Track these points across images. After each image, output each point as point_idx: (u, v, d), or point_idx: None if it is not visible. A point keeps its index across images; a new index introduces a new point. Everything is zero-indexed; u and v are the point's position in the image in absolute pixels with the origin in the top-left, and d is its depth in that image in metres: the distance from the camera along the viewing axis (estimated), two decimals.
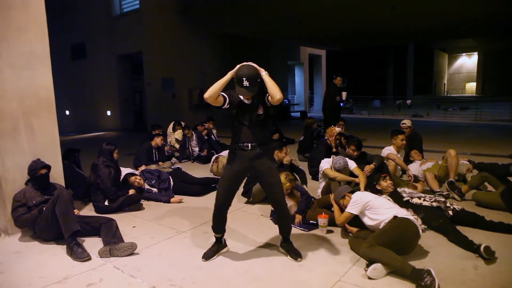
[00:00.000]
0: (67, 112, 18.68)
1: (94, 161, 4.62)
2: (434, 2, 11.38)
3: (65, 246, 3.37)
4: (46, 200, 3.65)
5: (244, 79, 2.78)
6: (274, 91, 2.79)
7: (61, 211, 3.37)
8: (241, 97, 2.98)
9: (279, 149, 4.78)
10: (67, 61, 17.59)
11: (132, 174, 5.09)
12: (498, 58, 38.85)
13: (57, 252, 3.43)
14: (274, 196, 3.10)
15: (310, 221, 3.91)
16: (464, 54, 46.30)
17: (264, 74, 2.85)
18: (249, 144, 2.96)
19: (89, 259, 3.23)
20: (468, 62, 47.15)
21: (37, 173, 3.77)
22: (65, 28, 16.98)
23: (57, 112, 4.33)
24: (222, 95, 2.90)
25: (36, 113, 4.08)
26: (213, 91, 2.80)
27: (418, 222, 3.45)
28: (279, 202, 3.09)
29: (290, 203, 4.01)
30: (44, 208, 3.53)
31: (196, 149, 7.95)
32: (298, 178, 4.86)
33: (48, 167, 3.87)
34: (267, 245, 3.47)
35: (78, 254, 3.23)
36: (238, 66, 2.89)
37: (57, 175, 4.25)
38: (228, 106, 2.97)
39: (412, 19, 14.07)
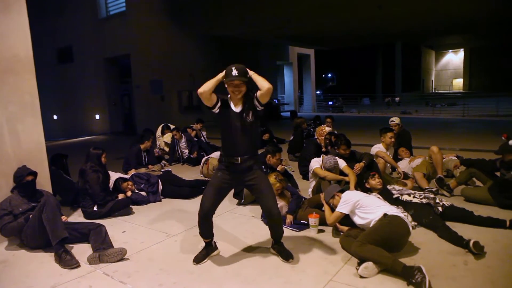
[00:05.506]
0: (55, 117, 18.44)
1: (82, 167, 4.55)
2: (419, 0, 11.50)
3: (53, 254, 3.31)
4: (32, 207, 3.58)
5: (233, 68, 2.84)
6: (262, 83, 2.84)
7: (48, 218, 3.31)
8: (231, 105, 2.97)
9: (271, 154, 4.76)
10: (53, 65, 17.38)
11: (124, 180, 5.04)
12: (484, 54, 39.42)
13: (45, 260, 3.36)
14: (266, 204, 3.06)
15: (301, 221, 3.91)
16: (450, 50, 46.83)
17: (252, 73, 2.91)
18: (239, 158, 2.95)
19: (78, 266, 3.18)
20: (454, 58, 47.71)
21: (23, 180, 3.71)
22: (51, 32, 16.77)
23: (45, 116, 4.26)
24: (216, 95, 2.92)
25: (20, 119, 4.02)
26: (208, 87, 2.84)
27: (408, 219, 3.47)
28: (271, 210, 3.04)
29: (280, 203, 4.00)
30: (31, 215, 3.47)
31: (186, 151, 7.91)
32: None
33: (34, 174, 3.80)
34: (258, 247, 3.45)
35: (67, 261, 3.17)
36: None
37: (44, 182, 4.18)
38: (218, 110, 2.96)
39: (399, 18, 14.21)
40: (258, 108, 2.96)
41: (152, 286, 2.83)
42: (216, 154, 6.56)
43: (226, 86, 2.92)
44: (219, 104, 2.95)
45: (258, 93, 2.88)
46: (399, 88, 34.05)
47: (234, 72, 2.82)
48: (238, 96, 2.94)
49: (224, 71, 2.89)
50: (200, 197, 3.15)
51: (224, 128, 3.02)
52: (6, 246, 3.71)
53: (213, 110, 2.97)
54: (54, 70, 17.33)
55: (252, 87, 2.94)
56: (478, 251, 3.00)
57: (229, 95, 2.99)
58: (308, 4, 12.03)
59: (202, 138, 8.91)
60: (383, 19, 14.11)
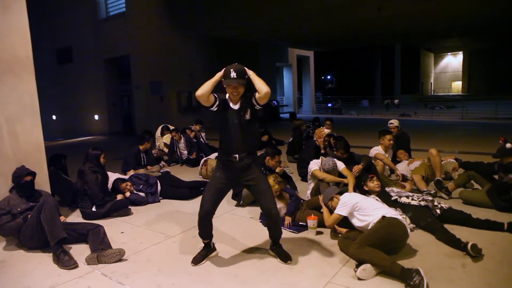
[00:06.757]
0: (54, 117, 18.43)
1: (81, 167, 4.55)
2: (418, 2, 11.53)
3: (51, 254, 3.32)
4: (31, 207, 3.58)
5: (232, 70, 2.84)
6: (260, 86, 2.83)
7: (47, 218, 3.31)
8: (230, 103, 2.98)
9: (271, 156, 4.77)
10: (53, 65, 17.38)
11: (123, 180, 5.04)
12: (483, 57, 39.56)
13: (43, 260, 3.36)
14: (265, 204, 3.06)
15: (300, 223, 3.91)
16: (449, 53, 46.94)
17: (251, 73, 2.89)
18: (237, 156, 2.95)
19: (76, 266, 3.18)
20: (453, 61, 47.82)
21: (22, 180, 3.70)
22: (51, 33, 16.79)
23: (44, 117, 4.26)
24: (213, 95, 2.92)
25: (19, 119, 4.02)
26: (205, 89, 2.83)
27: (406, 221, 3.48)
28: (270, 210, 3.04)
29: (279, 205, 4.00)
30: (29, 215, 3.47)
31: (185, 152, 7.90)
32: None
33: (33, 174, 3.80)
34: (257, 248, 3.46)
35: (65, 261, 3.17)
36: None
37: (43, 182, 4.18)
38: (216, 108, 2.96)
39: (398, 20, 14.25)
40: (256, 107, 2.97)
41: (150, 287, 2.83)
42: (215, 155, 6.56)
43: (224, 86, 2.93)
44: (217, 102, 2.95)
45: (256, 95, 2.88)
46: (398, 90, 34.09)
47: (233, 74, 2.82)
48: (236, 97, 2.95)
49: (222, 71, 2.89)
50: (199, 198, 3.15)
51: (222, 125, 3.02)
52: (4, 246, 3.71)
53: (211, 109, 2.97)
54: (54, 70, 17.33)
55: (250, 87, 2.94)
56: (476, 253, 3.01)
57: (227, 94, 3.00)
58: (307, 6, 12.04)
59: (201, 139, 8.91)
60: (382, 21, 14.14)
